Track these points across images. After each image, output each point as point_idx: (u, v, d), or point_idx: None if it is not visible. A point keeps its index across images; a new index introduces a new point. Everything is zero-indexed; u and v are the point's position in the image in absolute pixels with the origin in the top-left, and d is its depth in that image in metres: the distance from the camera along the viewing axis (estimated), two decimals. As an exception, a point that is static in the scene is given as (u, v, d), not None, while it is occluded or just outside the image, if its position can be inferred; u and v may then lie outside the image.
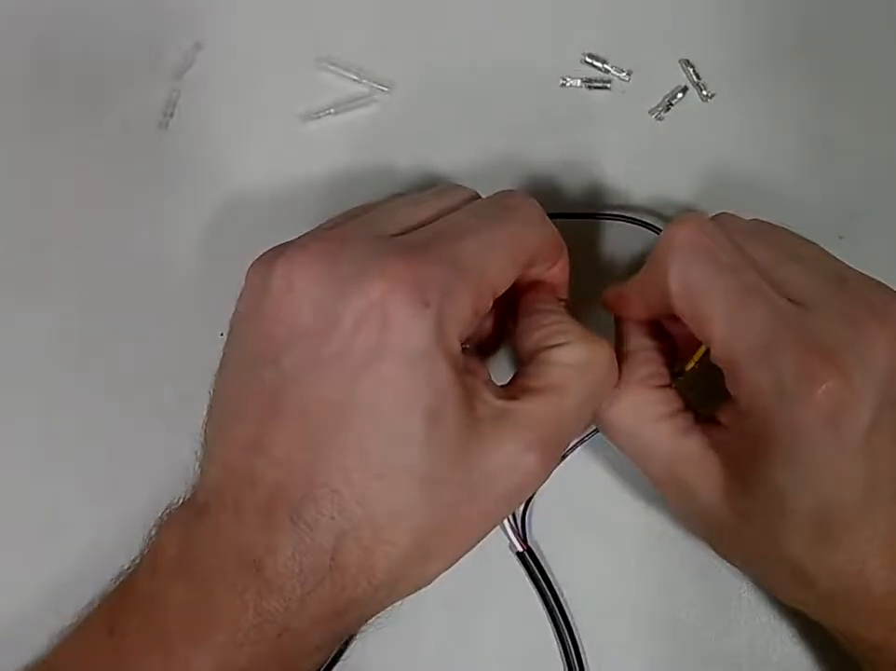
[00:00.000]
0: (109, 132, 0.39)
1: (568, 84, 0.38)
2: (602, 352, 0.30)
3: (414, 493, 0.27)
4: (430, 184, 0.38)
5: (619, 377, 0.31)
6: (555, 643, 0.34)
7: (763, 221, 0.32)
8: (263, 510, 0.27)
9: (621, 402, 0.31)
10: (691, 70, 0.38)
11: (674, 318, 0.30)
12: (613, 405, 0.31)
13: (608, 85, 0.38)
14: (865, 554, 0.27)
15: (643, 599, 0.35)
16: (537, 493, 0.34)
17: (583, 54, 0.38)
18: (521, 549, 0.35)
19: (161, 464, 0.36)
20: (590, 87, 0.38)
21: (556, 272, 0.32)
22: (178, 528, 0.29)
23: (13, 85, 0.39)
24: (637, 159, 0.37)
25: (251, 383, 0.28)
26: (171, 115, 0.39)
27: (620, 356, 0.31)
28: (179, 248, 0.38)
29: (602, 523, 0.35)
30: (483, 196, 0.32)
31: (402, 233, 0.29)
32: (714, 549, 0.31)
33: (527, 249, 0.30)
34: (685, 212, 0.37)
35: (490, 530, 0.30)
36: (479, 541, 0.30)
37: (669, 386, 0.31)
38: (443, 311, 0.27)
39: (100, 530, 0.36)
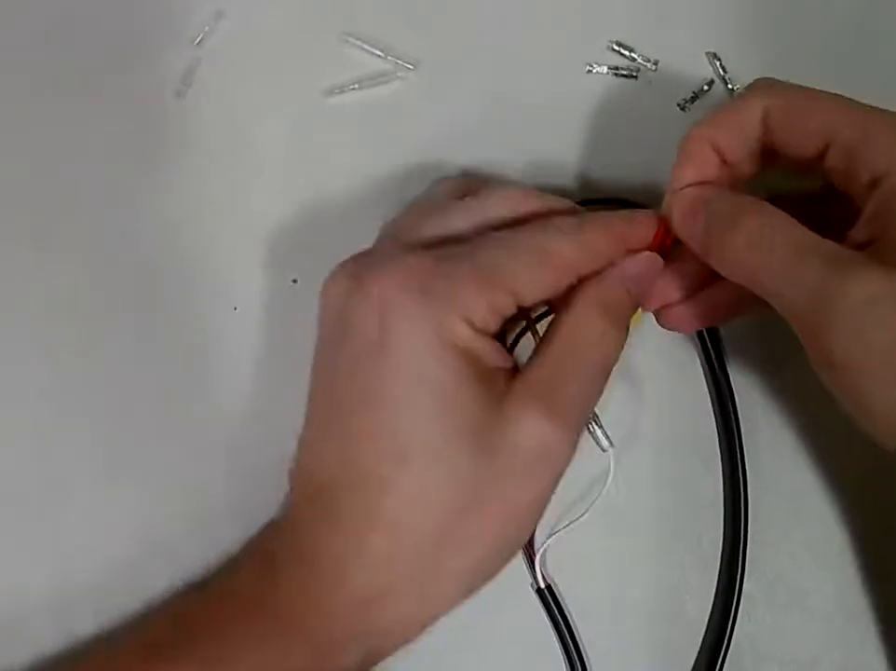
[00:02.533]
0: (125, 99, 0.38)
1: (594, 71, 0.37)
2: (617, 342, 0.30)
3: (433, 474, 0.28)
4: (451, 166, 0.37)
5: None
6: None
7: None
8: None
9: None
10: (718, 63, 0.37)
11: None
12: None
13: (635, 74, 0.37)
14: None
15: (655, 636, 0.35)
16: (555, 536, 0.34)
17: (610, 42, 0.38)
18: (542, 586, 0.35)
19: (171, 444, 0.36)
20: (616, 75, 0.37)
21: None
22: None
23: (31, 51, 0.39)
24: (661, 149, 0.37)
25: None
26: (190, 84, 0.38)
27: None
28: (192, 218, 0.38)
29: (616, 562, 0.35)
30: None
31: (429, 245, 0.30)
32: None
33: (559, 257, 0.29)
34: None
35: (524, 519, 0.30)
36: (516, 533, 0.30)
37: None
38: (448, 297, 0.28)
39: (108, 514, 0.36)
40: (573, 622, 0.35)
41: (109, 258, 0.37)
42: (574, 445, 0.29)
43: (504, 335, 0.33)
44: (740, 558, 0.34)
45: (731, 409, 0.35)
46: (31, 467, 0.36)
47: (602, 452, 0.33)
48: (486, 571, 0.30)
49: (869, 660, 0.34)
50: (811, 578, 0.35)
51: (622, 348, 0.30)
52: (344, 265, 0.31)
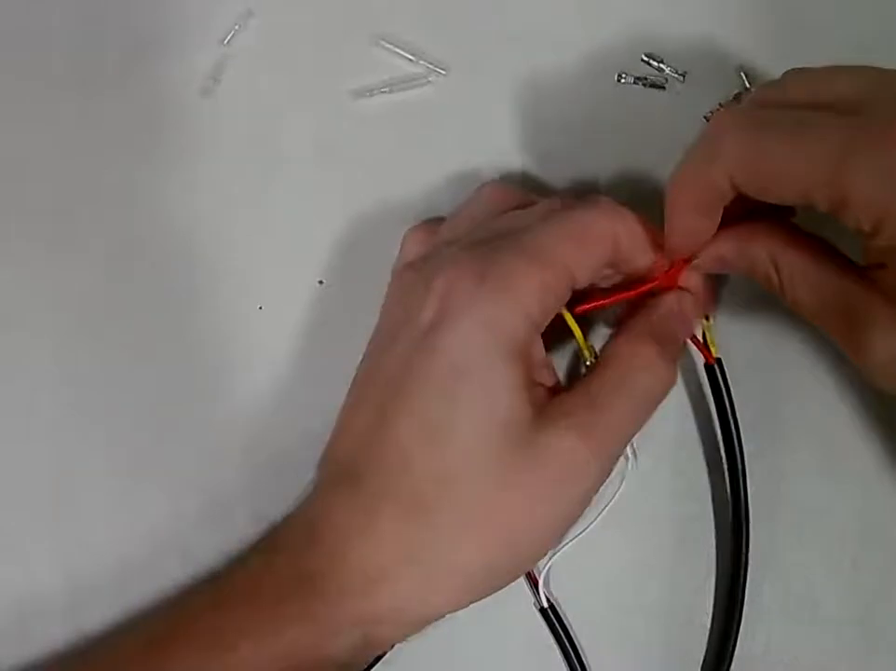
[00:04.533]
0: (152, 97, 0.38)
1: (624, 81, 0.38)
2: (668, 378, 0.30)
3: (457, 465, 0.28)
4: (477, 174, 0.37)
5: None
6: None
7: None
8: None
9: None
10: (744, 76, 0.38)
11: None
12: None
13: (664, 85, 0.38)
14: None
15: (659, 652, 0.35)
16: (557, 554, 0.34)
17: (641, 53, 0.38)
18: (545, 605, 0.35)
19: (192, 443, 0.36)
20: (645, 85, 0.38)
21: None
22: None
23: (58, 47, 0.38)
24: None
25: None
26: (218, 82, 0.38)
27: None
28: (218, 217, 0.37)
29: (620, 582, 0.35)
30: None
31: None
32: None
33: (604, 233, 0.30)
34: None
35: (539, 534, 0.29)
36: (529, 546, 0.29)
37: None
38: (502, 283, 0.28)
39: (127, 513, 0.36)
40: (577, 640, 0.35)
41: (132, 256, 0.37)
42: (605, 472, 0.29)
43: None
44: (742, 570, 0.34)
45: (731, 416, 0.34)
46: (47, 465, 0.36)
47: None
48: (493, 578, 0.30)
49: (881, 668, 0.34)
50: (821, 587, 0.35)
51: (672, 383, 0.31)
52: (411, 263, 0.31)
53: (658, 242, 0.31)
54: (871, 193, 0.25)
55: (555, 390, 0.30)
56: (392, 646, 0.32)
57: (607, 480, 0.30)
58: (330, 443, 0.32)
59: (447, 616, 0.30)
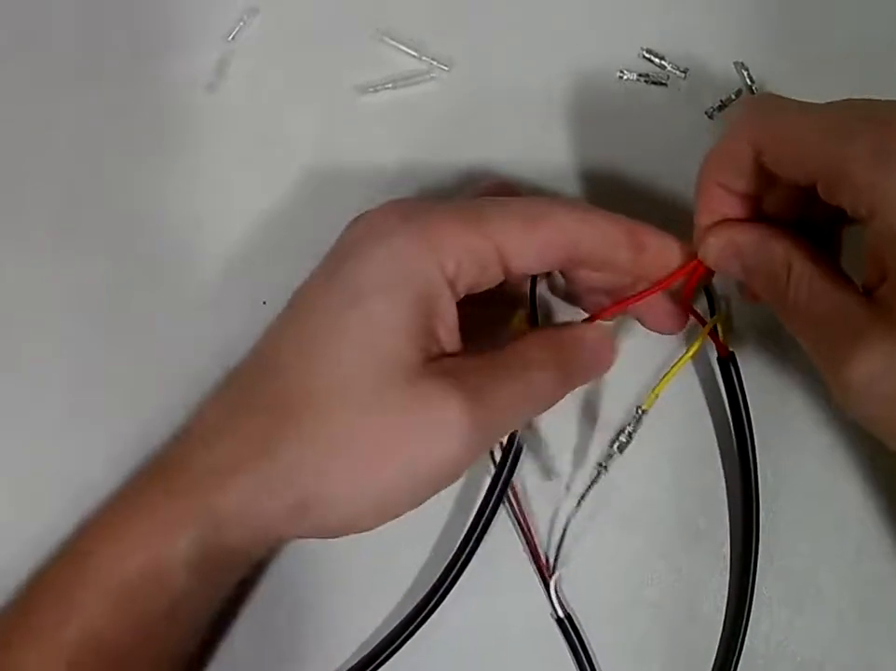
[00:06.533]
0: (157, 92, 0.39)
1: (625, 77, 0.38)
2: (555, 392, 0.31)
3: (330, 379, 0.28)
4: (479, 169, 0.38)
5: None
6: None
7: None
8: None
9: None
10: (745, 72, 0.38)
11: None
12: None
13: (665, 81, 0.38)
14: None
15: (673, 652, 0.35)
16: (573, 562, 0.34)
17: (642, 49, 0.38)
18: (561, 615, 0.34)
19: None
20: (646, 81, 0.38)
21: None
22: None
23: (63, 43, 0.39)
24: (689, 156, 0.37)
25: None
26: (223, 78, 0.39)
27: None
28: (222, 212, 0.38)
29: (635, 590, 0.35)
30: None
31: None
32: None
33: (557, 226, 0.30)
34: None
35: (395, 475, 0.28)
36: (387, 486, 0.28)
37: None
38: (423, 229, 0.29)
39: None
40: (590, 647, 0.35)
41: (137, 251, 0.38)
42: (472, 446, 0.29)
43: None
44: (752, 561, 0.34)
45: (744, 409, 0.34)
46: (50, 461, 0.36)
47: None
48: (334, 504, 0.29)
49: (883, 659, 0.35)
50: (825, 577, 0.35)
51: (560, 395, 0.31)
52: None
53: (648, 243, 0.31)
54: (868, 172, 0.26)
55: (456, 356, 0.30)
56: (247, 562, 0.31)
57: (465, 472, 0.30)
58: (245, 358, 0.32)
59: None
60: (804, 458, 0.36)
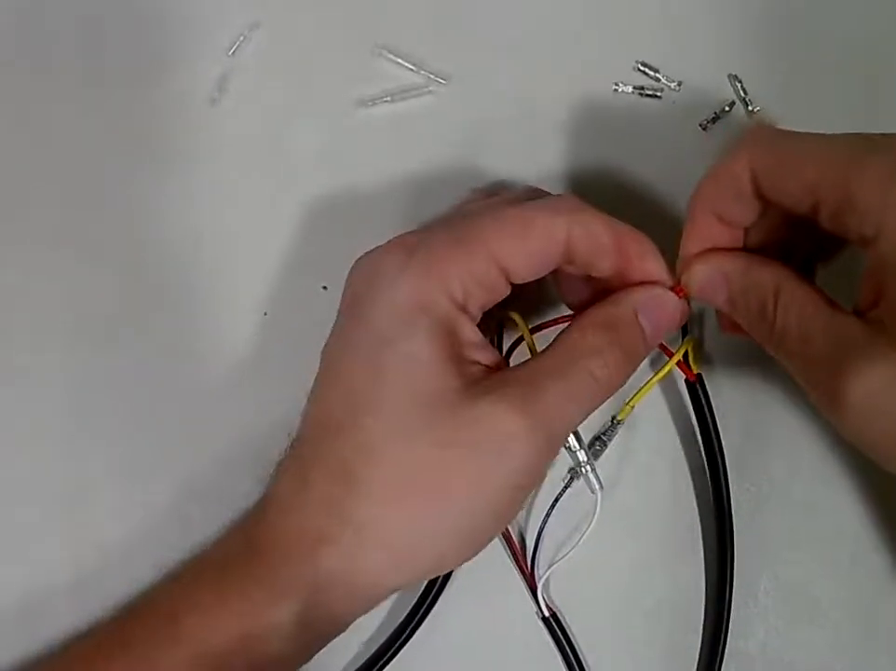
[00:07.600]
0: (159, 105, 0.39)
1: (620, 90, 0.38)
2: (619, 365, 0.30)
3: (381, 433, 0.28)
4: (476, 182, 0.38)
5: None
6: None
7: None
8: None
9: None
10: (739, 85, 0.38)
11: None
12: None
13: (659, 94, 0.38)
14: None
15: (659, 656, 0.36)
16: (562, 560, 0.35)
17: (636, 62, 0.39)
18: (546, 614, 0.35)
19: (197, 448, 0.37)
20: (641, 94, 0.38)
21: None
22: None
23: (65, 55, 0.39)
24: (683, 168, 0.38)
25: None
26: (224, 92, 0.39)
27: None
28: (223, 224, 0.38)
29: (622, 589, 0.36)
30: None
31: None
32: None
33: (550, 229, 0.30)
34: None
35: (468, 501, 0.28)
36: (454, 519, 0.29)
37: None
38: (426, 263, 0.29)
39: (130, 505, 0.36)
40: (578, 647, 0.35)
41: (138, 263, 0.38)
42: (539, 454, 0.29)
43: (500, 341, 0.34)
44: (729, 570, 0.35)
45: (713, 429, 0.35)
46: (51, 464, 0.37)
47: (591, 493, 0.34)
48: (424, 546, 0.29)
49: (879, 668, 0.35)
50: (821, 586, 0.36)
51: (624, 375, 0.30)
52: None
53: (636, 250, 0.31)
54: (876, 194, 0.26)
55: (497, 369, 0.30)
56: (344, 626, 0.31)
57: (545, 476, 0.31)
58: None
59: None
60: (798, 468, 0.36)
